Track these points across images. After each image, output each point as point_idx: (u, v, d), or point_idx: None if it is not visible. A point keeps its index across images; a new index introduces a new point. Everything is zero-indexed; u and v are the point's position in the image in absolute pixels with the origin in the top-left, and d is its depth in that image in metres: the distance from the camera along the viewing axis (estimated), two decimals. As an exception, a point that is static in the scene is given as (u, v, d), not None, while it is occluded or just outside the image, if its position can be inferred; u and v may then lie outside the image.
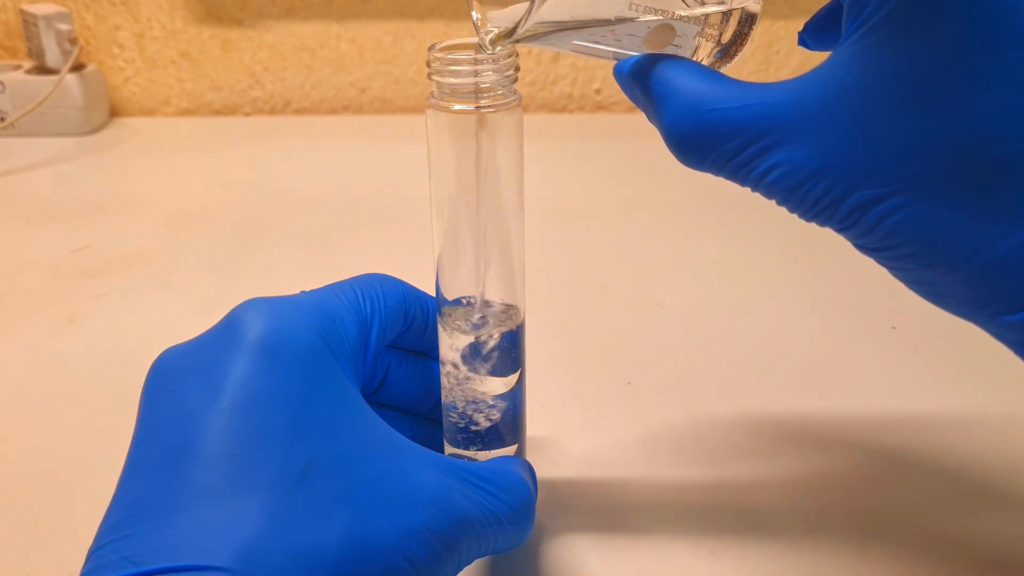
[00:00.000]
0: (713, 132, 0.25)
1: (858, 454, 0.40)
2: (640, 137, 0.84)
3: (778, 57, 0.90)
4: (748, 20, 0.29)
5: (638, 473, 0.39)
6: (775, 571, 0.33)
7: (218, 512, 0.23)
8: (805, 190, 0.24)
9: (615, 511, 0.36)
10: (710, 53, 0.29)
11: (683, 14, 0.28)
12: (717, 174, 0.27)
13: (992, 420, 0.42)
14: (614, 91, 0.90)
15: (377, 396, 0.34)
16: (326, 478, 0.24)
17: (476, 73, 0.28)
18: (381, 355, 0.34)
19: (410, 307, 0.33)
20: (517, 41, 0.28)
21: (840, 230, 0.25)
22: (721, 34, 0.29)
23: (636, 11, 0.28)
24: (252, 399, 0.25)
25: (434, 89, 0.28)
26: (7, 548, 0.34)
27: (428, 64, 0.28)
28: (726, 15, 0.29)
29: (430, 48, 0.28)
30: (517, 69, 0.28)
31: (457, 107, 0.28)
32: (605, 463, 0.39)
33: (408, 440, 0.28)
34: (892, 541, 0.35)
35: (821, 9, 0.32)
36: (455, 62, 0.28)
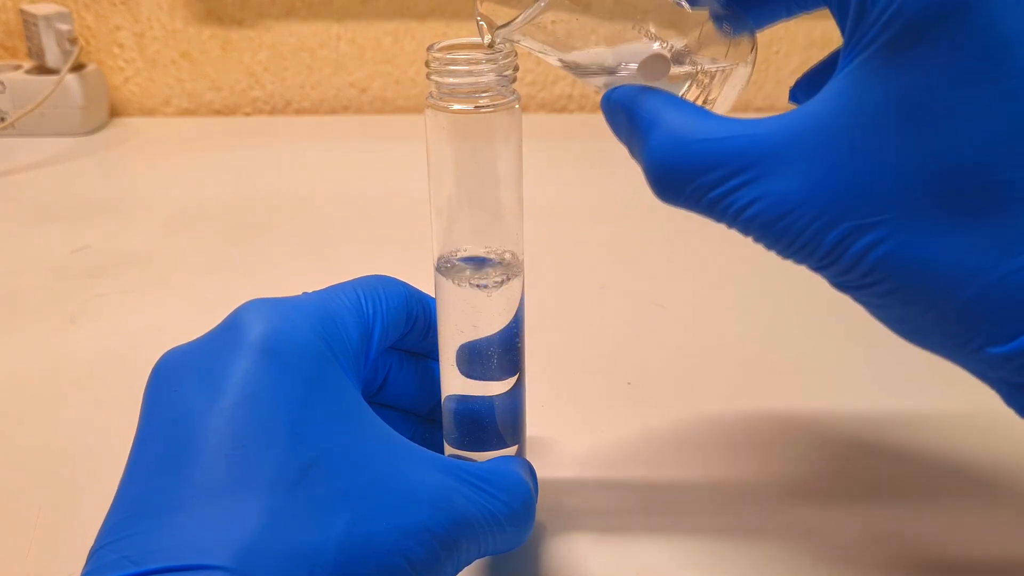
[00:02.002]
0: (699, 162, 0.25)
1: (858, 454, 0.40)
2: (640, 137, 0.83)
3: (778, 57, 0.90)
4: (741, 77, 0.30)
5: (638, 473, 0.39)
6: (775, 571, 0.33)
7: (218, 512, 0.23)
8: (788, 222, 0.24)
9: (615, 511, 0.36)
10: (697, 96, 0.29)
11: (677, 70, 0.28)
12: (694, 207, 0.26)
13: (994, 420, 0.42)
14: (614, 91, 0.90)
15: (378, 397, 0.34)
16: (326, 478, 0.24)
17: (475, 73, 0.28)
18: (383, 356, 0.34)
19: (412, 309, 0.33)
20: (512, 41, 0.28)
21: (820, 267, 0.25)
22: (712, 81, 0.29)
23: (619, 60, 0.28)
24: (252, 399, 0.25)
25: (433, 89, 0.28)
26: (7, 548, 0.34)
27: (427, 64, 0.28)
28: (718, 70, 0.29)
29: (429, 48, 0.28)
30: (516, 69, 0.28)
31: (456, 107, 0.28)
32: (605, 463, 0.39)
33: (408, 441, 0.28)
34: (892, 541, 0.35)
35: (813, 67, 0.32)
36: (454, 62, 0.28)
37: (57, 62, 0.82)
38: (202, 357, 0.27)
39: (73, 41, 0.82)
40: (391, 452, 0.27)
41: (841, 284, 0.25)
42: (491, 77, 0.28)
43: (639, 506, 0.37)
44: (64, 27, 0.81)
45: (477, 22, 0.28)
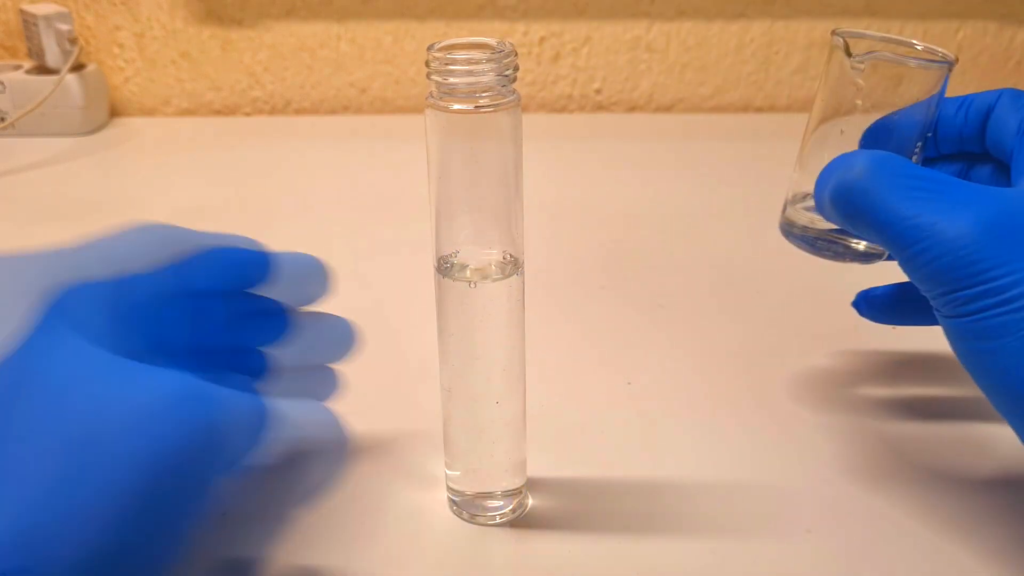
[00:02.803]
0: (913, 171, 0.30)
1: (858, 454, 0.40)
2: (640, 137, 0.83)
3: (778, 57, 0.90)
4: None
5: (638, 473, 0.39)
6: (775, 571, 0.33)
7: None
8: (965, 248, 0.28)
9: (615, 512, 0.36)
10: None
11: None
12: (882, 205, 0.30)
13: (993, 420, 0.42)
14: (614, 91, 0.90)
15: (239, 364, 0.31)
16: (24, 417, 0.22)
17: (475, 73, 0.28)
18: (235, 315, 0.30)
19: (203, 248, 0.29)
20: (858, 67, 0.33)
21: (974, 282, 0.28)
22: None
23: None
24: None
25: (433, 89, 0.28)
26: (6, 548, 0.34)
27: (427, 64, 0.28)
28: None
29: (429, 48, 0.28)
30: (516, 68, 0.28)
31: (456, 107, 0.28)
32: (605, 463, 0.39)
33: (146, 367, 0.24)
34: (892, 541, 0.35)
35: (886, 288, 0.39)
36: (454, 62, 0.28)
37: (57, 62, 0.82)
38: None
39: (73, 41, 0.82)
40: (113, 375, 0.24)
41: (975, 303, 0.28)
42: (491, 77, 0.28)
43: (639, 506, 0.37)
44: (64, 27, 0.81)
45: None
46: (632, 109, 0.91)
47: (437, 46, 0.28)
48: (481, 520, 0.35)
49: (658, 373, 0.46)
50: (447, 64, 0.28)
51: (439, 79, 0.28)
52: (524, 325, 0.33)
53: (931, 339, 0.48)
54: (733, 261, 0.59)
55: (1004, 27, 0.86)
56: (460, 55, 0.28)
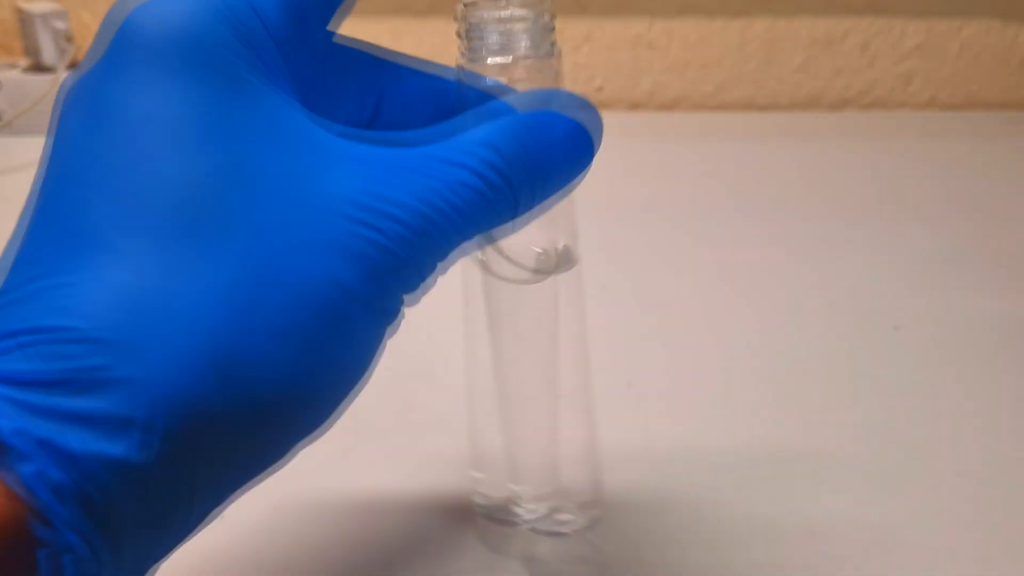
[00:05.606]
0: None
1: (858, 454, 0.39)
2: (640, 137, 0.83)
3: (781, 55, 0.90)
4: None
5: (638, 474, 0.38)
6: (775, 571, 0.33)
7: (93, 263, 0.20)
8: None
9: (615, 512, 0.36)
10: None
11: None
12: None
13: (993, 421, 0.41)
14: (615, 89, 0.90)
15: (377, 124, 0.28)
16: (218, 203, 0.20)
17: (511, 32, 0.27)
18: (364, 69, 0.28)
19: None
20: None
21: None
22: None
23: None
24: (131, 125, 0.21)
25: (463, 48, 0.27)
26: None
27: (457, 21, 0.27)
28: None
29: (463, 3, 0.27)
30: (553, 16, 0.27)
31: (495, 60, 0.27)
32: (605, 463, 0.39)
33: (338, 139, 0.23)
34: (892, 542, 0.34)
35: None
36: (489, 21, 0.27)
37: (53, 60, 0.81)
38: (92, 81, 0.22)
39: (69, 39, 0.81)
40: (312, 151, 0.22)
41: None
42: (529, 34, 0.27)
43: (639, 507, 0.36)
44: (60, 25, 0.81)
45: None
46: (634, 107, 0.90)
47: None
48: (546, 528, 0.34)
49: (658, 373, 0.45)
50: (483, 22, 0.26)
51: (472, 39, 0.27)
52: (584, 320, 0.32)
53: (934, 342, 0.48)
54: (734, 261, 0.58)
55: (1007, 25, 0.86)
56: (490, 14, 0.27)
